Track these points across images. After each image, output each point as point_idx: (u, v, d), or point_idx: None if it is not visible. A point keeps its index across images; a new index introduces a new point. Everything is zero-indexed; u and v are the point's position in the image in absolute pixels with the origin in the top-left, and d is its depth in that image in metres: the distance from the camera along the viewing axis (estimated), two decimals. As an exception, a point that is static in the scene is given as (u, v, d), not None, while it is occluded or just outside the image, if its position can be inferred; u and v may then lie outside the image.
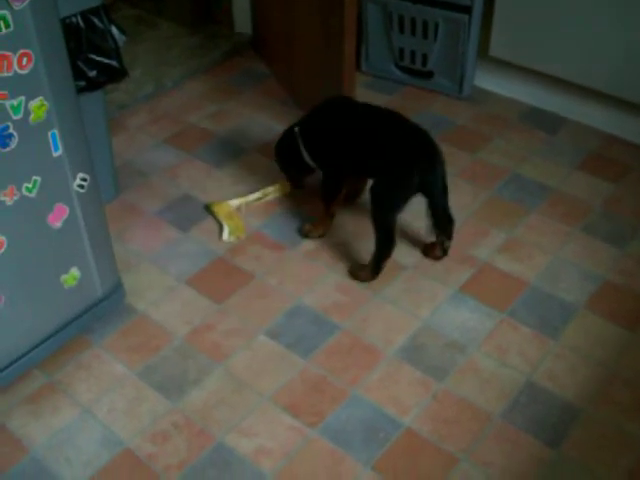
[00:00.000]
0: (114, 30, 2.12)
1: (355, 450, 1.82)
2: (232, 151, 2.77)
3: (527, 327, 2.11)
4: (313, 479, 1.77)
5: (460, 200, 2.49)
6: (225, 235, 2.39)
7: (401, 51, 3.05)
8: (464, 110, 2.98)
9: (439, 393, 1.94)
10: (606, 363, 2.02)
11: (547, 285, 2.23)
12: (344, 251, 2.34)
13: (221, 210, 2.47)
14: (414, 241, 2.37)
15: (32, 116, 1.62)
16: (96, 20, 2.06)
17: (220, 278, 2.27)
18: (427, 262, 2.31)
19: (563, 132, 2.85)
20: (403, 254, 2.32)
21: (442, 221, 2.21)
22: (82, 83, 2.09)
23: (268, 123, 2.91)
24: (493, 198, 2.54)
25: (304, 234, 2.40)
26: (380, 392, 1.95)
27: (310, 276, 2.27)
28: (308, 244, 2.37)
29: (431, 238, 2.29)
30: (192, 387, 1.97)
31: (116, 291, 2.10)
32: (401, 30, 2.99)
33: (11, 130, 1.59)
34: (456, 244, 2.33)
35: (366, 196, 2.26)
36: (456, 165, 2.65)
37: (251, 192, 2.54)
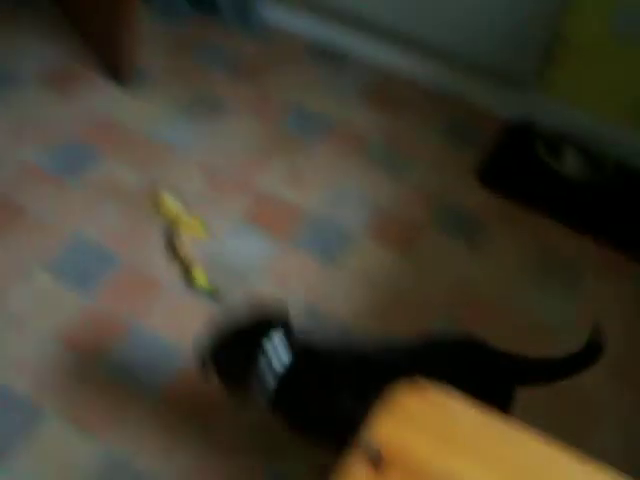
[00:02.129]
0: None
1: (140, 383, 1.83)
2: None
3: (307, 254, 2.18)
4: (95, 413, 1.76)
5: (244, 131, 2.51)
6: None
7: (186, -19, 2.99)
8: (250, 44, 2.97)
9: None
10: (382, 287, 2.14)
11: (327, 213, 2.32)
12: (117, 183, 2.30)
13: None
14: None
15: None
16: None
17: (-7, 214, 2.17)
18: (210, 191, 2.32)
19: (347, 68, 2.92)
20: (183, 183, 2.31)
21: None
22: None
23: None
24: (276, 131, 2.58)
25: None
26: (164, 324, 1.96)
27: (90, 209, 2.21)
28: (89, 175, 2.29)
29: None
30: (-36, 328, 1.88)
31: None
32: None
33: None
34: (238, 174, 2.36)
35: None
36: (240, 99, 2.66)
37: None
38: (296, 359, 1.49)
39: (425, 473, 0.73)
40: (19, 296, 1.97)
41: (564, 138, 2.62)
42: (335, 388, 1.47)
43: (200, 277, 2.05)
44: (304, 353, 1.51)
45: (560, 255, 2.34)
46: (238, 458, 1.73)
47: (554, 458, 0.77)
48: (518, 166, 2.58)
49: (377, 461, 0.71)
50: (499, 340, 2.03)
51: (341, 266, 2.18)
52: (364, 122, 2.68)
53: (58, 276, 2.02)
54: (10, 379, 1.79)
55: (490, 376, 1.52)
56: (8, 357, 1.84)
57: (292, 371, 1.48)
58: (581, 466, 0.77)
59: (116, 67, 2.60)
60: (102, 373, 1.83)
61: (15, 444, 1.68)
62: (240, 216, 2.26)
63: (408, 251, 2.26)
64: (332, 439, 1.45)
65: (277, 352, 1.48)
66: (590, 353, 1.53)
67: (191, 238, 2.14)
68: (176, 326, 1.95)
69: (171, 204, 2.21)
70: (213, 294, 2.03)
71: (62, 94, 2.55)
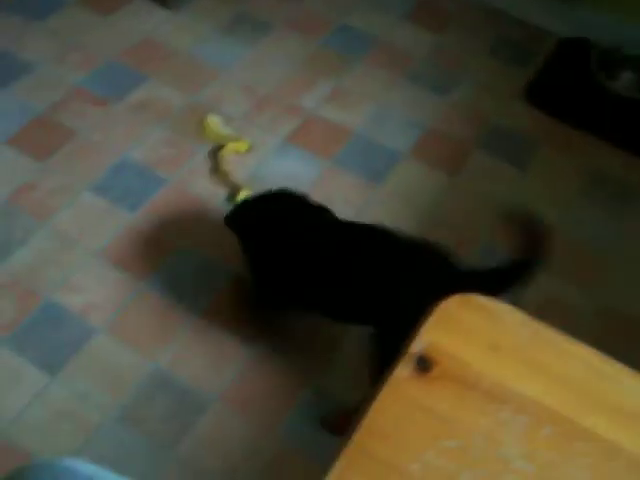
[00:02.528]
0: None
1: (186, 300, 1.86)
2: None
3: (352, 174, 2.17)
4: (143, 330, 1.80)
5: (287, 50, 2.48)
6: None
7: None
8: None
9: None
10: (425, 207, 2.13)
11: (372, 133, 2.29)
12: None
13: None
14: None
15: None
16: None
17: (41, 136, 2.18)
18: (253, 112, 2.30)
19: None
20: (229, 104, 2.30)
21: None
22: None
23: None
24: (319, 48, 2.54)
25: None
26: (209, 243, 1.97)
27: (136, 130, 2.22)
28: (134, 96, 2.29)
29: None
30: (17, 247, 1.91)
31: None
32: None
33: None
34: (282, 95, 2.34)
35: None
36: (284, 15, 2.61)
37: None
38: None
39: (474, 380, 0.73)
40: (68, 216, 2.00)
41: (618, 54, 2.53)
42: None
43: None
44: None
45: (610, 175, 2.29)
46: (282, 372, 1.76)
47: (605, 370, 0.77)
48: (569, 84, 2.51)
49: (425, 368, 0.72)
50: (547, 260, 2.01)
51: (386, 186, 2.16)
52: (410, 39, 2.62)
53: (105, 196, 2.04)
54: (62, 297, 1.83)
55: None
56: (59, 276, 1.87)
57: None
58: (632, 381, 0.76)
59: (158, -14, 2.57)
60: (148, 290, 1.87)
61: (68, 358, 1.73)
62: (285, 136, 2.25)
63: (454, 171, 2.23)
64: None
65: None
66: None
67: (237, 159, 2.14)
68: (219, 245, 1.96)
69: (216, 126, 2.20)
70: None
71: (104, 16, 2.53)
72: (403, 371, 0.71)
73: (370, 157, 2.23)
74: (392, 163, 2.22)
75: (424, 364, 0.72)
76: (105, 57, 2.40)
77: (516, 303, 0.80)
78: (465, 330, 0.75)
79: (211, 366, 1.76)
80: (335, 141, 2.25)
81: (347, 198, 2.11)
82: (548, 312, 1.89)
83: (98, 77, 2.35)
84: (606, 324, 1.94)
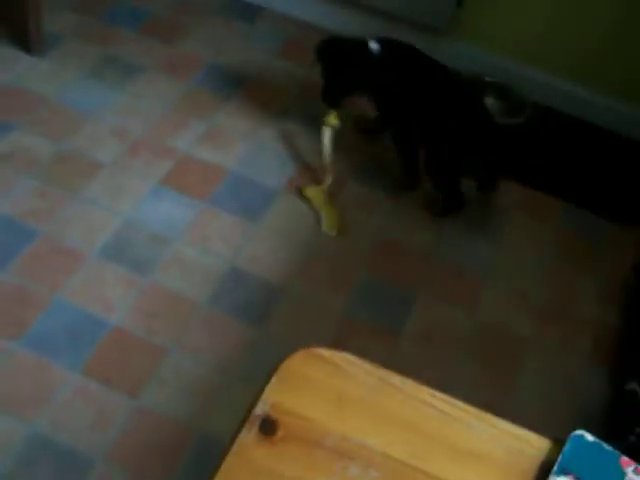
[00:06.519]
0: None
1: (62, 356, 1.79)
2: None
3: (229, 214, 2.16)
4: (20, 393, 1.73)
5: (158, 92, 2.46)
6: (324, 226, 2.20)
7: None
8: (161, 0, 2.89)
9: (145, 287, 1.96)
10: (305, 241, 2.14)
11: (247, 171, 2.29)
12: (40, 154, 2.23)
13: (317, 197, 2.24)
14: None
15: None
16: None
17: None
18: (126, 158, 2.26)
19: (261, 21, 2.85)
20: (100, 151, 2.25)
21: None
22: None
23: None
24: (192, 89, 2.52)
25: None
26: (84, 295, 1.92)
27: (3, 181, 2.14)
28: (1, 147, 2.22)
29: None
30: None
31: None
32: None
33: None
34: (155, 137, 2.32)
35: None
36: (153, 57, 2.59)
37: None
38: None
39: (320, 438, 0.73)
40: None
41: (481, 82, 2.61)
42: None
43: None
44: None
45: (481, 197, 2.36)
46: (169, 422, 1.72)
47: (452, 413, 0.78)
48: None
49: (269, 430, 0.71)
50: (424, 285, 2.07)
51: (264, 222, 2.16)
52: (281, 75, 2.64)
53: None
54: None
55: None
56: None
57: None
58: (479, 422, 0.78)
59: (22, 33, 2.50)
60: (20, 350, 1.80)
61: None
62: (159, 179, 2.22)
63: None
64: None
65: None
66: None
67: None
68: (94, 296, 1.92)
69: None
70: None
71: (-34, 64, 2.45)
72: (248, 435, 0.70)
73: (246, 195, 2.22)
74: (268, 199, 2.22)
75: (268, 426, 0.71)
76: (-32, 108, 2.32)
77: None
78: (309, 386, 0.75)
79: (93, 423, 1.70)
80: (210, 181, 2.24)
81: (225, 237, 2.10)
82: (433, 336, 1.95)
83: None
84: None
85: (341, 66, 2.22)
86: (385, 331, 1.98)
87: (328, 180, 2.24)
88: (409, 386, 0.78)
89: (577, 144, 2.60)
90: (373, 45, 2.16)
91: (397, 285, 2.09)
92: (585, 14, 2.51)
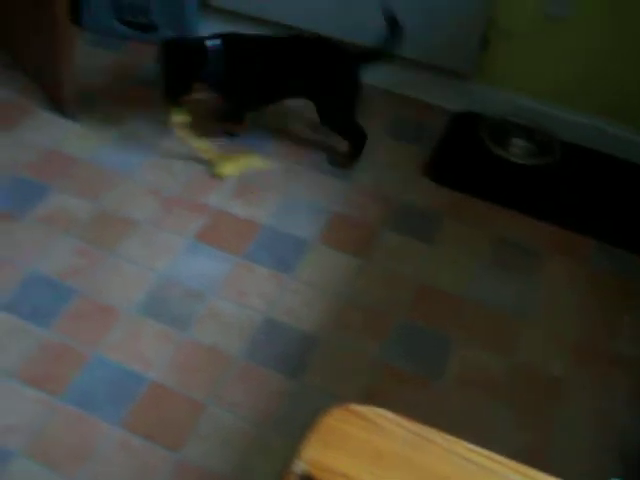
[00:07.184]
0: None
1: (102, 411, 1.82)
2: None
3: (263, 267, 2.19)
4: (64, 447, 1.75)
5: (190, 150, 2.51)
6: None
7: (120, 4, 2.95)
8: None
9: (182, 342, 1.98)
10: (339, 291, 2.15)
11: (280, 224, 2.32)
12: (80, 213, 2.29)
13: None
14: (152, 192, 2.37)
15: None
16: None
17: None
18: (161, 214, 2.31)
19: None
20: (136, 209, 2.31)
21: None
22: None
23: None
24: (224, 145, 2.57)
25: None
26: (122, 350, 1.95)
27: (43, 243, 2.20)
28: (38, 208, 2.28)
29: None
30: None
31: None
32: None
33: None
34: (189, 193, 2.36)
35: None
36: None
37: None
38: None
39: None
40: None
41: (509, 125, 2.64)
42: None
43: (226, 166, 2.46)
44: None
45: (514, 242, 2.36)
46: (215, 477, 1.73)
47: (484, 464, 0.78)
48: (465, 158, 2.60)
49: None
50: (459, 330, 2.07)
51: (298, 275, 2.18)
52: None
53: (14, 312, 2.01)
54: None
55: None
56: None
57: None
58: (516, 476, 0.78)
59: (57, 98, 2.59)
60: (64, 405, 1.83)
61: None
62: (193, 235, 2.26)
63: (364, 254, 2.27)
64: None
65: None
66: (394, 29, 2.35)
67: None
68: (136, 353, 1.95)
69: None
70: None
71: (5, 129, 2.53)
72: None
73: (280, 248, 2.25)
74: (301, 251, 2.25)
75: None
76: (7, 170, 2.39)
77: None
78: (346, 443, 0.76)
79: (136, 478, 1.72)
80: (244, 235, 2.27)
81: (261, 291, 2.12)
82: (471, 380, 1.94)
83: (1, 192, 2.33)
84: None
85: (180, 64, 2.37)
86: (421, 377, 1.98)
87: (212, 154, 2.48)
88: (446, 440, 0.78)
89: (607, 181, 2.60)
90: (210, 42, 2.35)
91: (432, 330, 2.09)
92: (608, 52, 2.54)
